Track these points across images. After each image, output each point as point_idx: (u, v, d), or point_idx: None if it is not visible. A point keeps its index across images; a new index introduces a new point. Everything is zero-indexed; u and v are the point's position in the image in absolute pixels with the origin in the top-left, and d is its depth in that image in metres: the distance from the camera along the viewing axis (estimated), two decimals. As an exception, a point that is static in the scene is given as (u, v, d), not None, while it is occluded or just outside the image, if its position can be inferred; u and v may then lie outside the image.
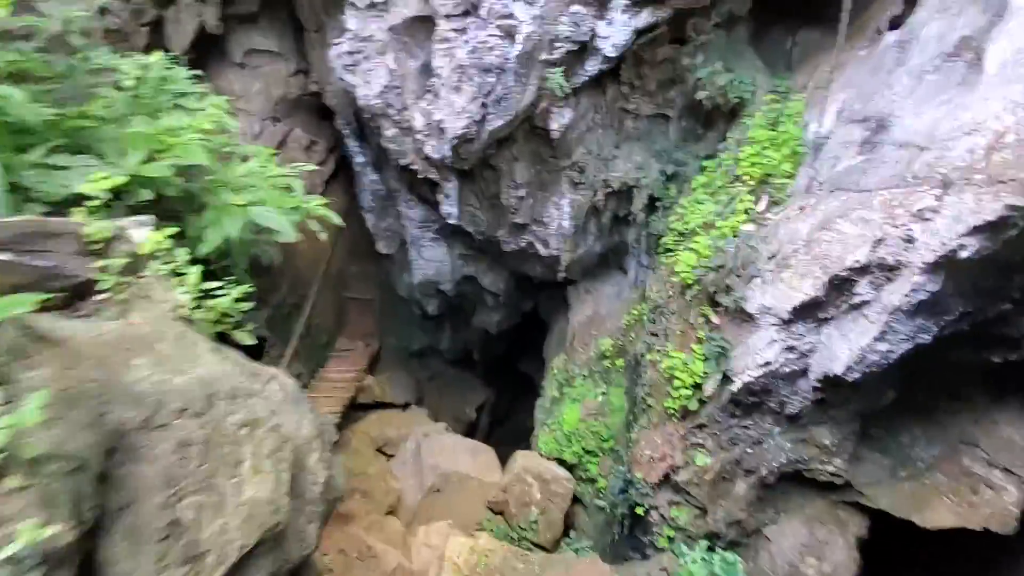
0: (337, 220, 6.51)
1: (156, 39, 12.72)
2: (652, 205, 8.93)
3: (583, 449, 9.10)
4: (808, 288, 5.88)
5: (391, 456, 13.69)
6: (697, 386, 7.04)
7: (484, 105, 8.44)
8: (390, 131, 9.63)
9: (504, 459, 13.46)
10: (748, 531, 7.38)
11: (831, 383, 6.18)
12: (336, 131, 13.69)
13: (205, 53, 13.94)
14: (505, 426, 17.67)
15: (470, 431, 16.10)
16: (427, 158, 9.85)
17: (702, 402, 7.08)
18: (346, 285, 17.19)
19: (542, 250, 10.27)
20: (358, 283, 17.28)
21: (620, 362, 9.28)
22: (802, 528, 7.36)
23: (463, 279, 12.97)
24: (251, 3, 13.51)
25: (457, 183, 10.13)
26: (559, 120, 8.81)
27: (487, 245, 11.49)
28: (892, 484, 7.14)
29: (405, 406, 15.38)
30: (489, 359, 16.17)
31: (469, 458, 12.24)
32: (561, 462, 9.28)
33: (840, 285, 5.76)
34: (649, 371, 7.53)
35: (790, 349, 6.24)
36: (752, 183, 7.36)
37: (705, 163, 8.26)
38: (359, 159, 12.37)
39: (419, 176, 10.20)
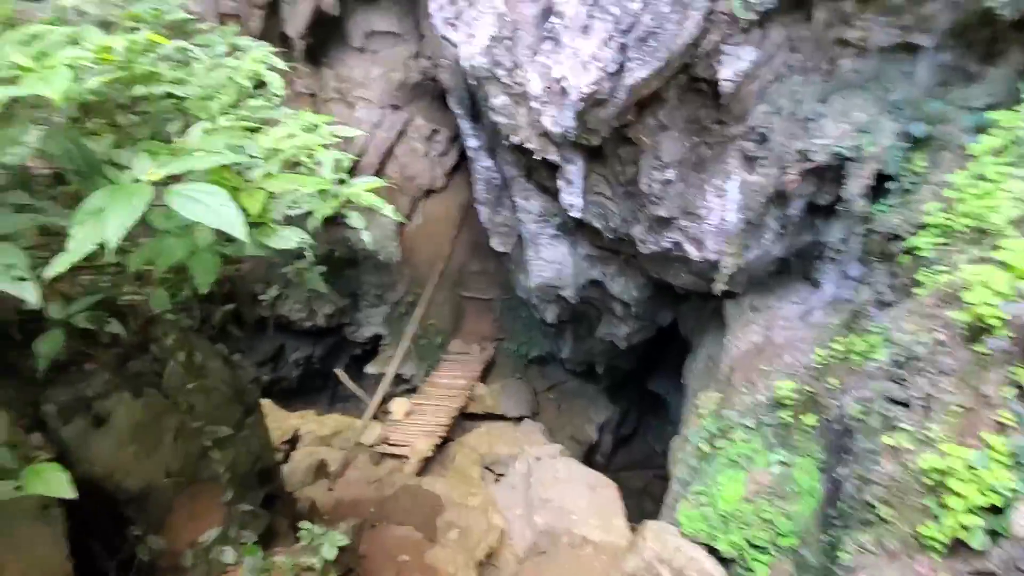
0: (390, 212, 3.98)
1: (272, 23, 11.32)
2: (879, 187, 5.42)
3: (747, 541, 5.88)
4: None
5: (499, 476, 11.28)
6: (992, 509, 3.63)
7: (623, 48, 5.51)
8: (499, 99, 7.02)
9: (629, 494, 10.50)
10: None
11: None
12: (457, 118, 11.42)
13: (324, 38, 12.34)
14: (630, 447, 14.54)
15: (590, 453, 13.21)
16: (545, 133, 7.10)
17: (997, 536, 3.66)
18: (465, 284, 15.09)
19: (693, 252, 7.10)
20: (477, 282, 15.09)
21: (810, 420, 5.89)
22: None
23: (588, 284, 10.08)
24: (369, -21, 11.61)
25: (582, 165, 7.27)
26: (734, 64, 5.61)
27: (619, 245, 8.51)
28: None
29: (518, 419, 12.88)
30: (615, 373, 13.14)
31: (586, 496, 9.41)
32: (712, 551, 6.15)
33: None
34: (886, 462, 4.18)
35: None
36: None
37: (993, 115, 4.63)
38: (472, 143, 9.94)
39: (535, 158, 7.49)
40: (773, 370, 6.76)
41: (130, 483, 4.21)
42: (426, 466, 10.86)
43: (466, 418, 12.68)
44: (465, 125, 9.88)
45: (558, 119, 6.72)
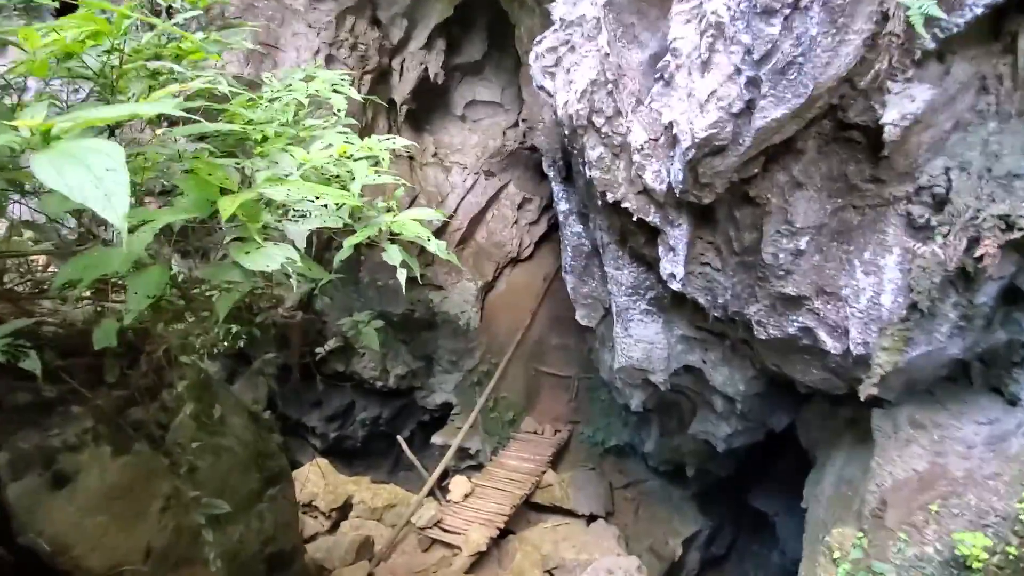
0: (436, 247, 2.95)
1: (382, 89, 11.45)
2: None
3: None
4: None
5: (562, 588, 9.40)
6: None
7: (753, 83, 4.36)
8: (595, 151, 6.05)
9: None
10: None
11: None
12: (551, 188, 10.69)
13: (429, 106, 12.36)
14: (722, 573, 11.90)
15: (672, 573, 10.89)
16: (645, 190, 5.97)
17: None
18: (543, 359, 13.81)
19: (829, 343, 5.43)
20: (556, 357, 13.77)
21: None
22: None
23: (683, 370, 8.45)
24: (475, 51, 11.56)
25: (688, 229, 5.99)
26: (902, 106, 4.25)
27: (726, 327, 6.97)
28: None
29: (590, 519, 10.96)
30: (708, 479, 10.96)
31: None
32: None
33: None
34: None
35: None
36: None
37: None
38: (563, 206, 9.02)
39: (633, 219, 6.35)
40: (950, 514, 4.75)
41: (93, 562, 3.23)
42: (479, 561, 9.24)
43: (530, 507, 10.99)
44: (557, 188, 9.02)
45: (662, 172, 5.59)
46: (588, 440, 12.40)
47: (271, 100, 3.62)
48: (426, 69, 10.88)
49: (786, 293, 5.47)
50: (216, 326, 4.04)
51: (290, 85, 3.72)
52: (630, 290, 8.04)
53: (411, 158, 12.09)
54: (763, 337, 6.06)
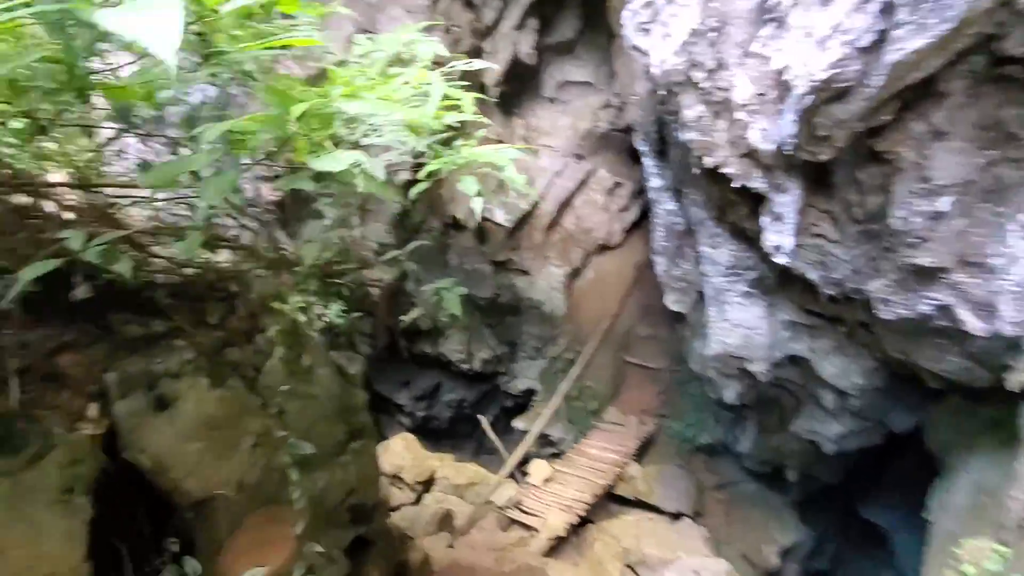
0: (521, 184, 2.79)
1: (473, 73, 11.55)
2: None
3: None
4: None
5: (643, 584, 8.97)
6: None
7: (886, 11, 3.77)
8: (693, 110, 5.60)
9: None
10: None
11: None
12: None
13: (519, 89, 12.30)
14: (825, 590, 10.76)
15: (768, 584, 10.01)
16: (749, 152, 5.44)
17: None
18: (631, 349, 13.30)
19: (971, 322, 4.61)
20: (645, 348, 13.21)
21: None
22: None
23: (786, 360, 7.70)
24: (568, 29, 11.32)
25: (799, 194, 5.38)
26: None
27: (841, 308, 6.21)
28: None
29: (676, 516, 10.38)
30: (812, 485, 9.96)
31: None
32: None
33: None
34: None
35: None
36: None
37: None
38: (655, 182, 8.55)
39: (733, 187, 5.83)
40: None
41: (191, 485, 3.43)
42: (557, 546, 9.03)
43: (612, 500, 10.60)
44: (649, 164, 8.58)
45: (770, 132, 5.05)
46: (677, 436, 11.75)
47: (361, 56, 3.66)
48: (518, 50, 10.82)
49: (919, 264, 4.73)
50: (307, 279, 4.18)
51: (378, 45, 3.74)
52: (728, 270, 7.45)
53: (499, 142, 12.09)
54: (887, 318, 5.30)
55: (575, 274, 13.37)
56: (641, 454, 11.34)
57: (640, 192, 13.09)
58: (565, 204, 12.91)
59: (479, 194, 2.56)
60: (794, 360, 7.64)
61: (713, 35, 5.14)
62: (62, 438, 2.77)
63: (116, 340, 3.55)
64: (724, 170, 5.73)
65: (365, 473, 5.02)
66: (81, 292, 2.34)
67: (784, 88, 4.63)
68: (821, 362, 7.22)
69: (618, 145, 12.86)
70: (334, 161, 1.90)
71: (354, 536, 4.89)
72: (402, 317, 9.20)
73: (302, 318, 4.31)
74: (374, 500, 5.28)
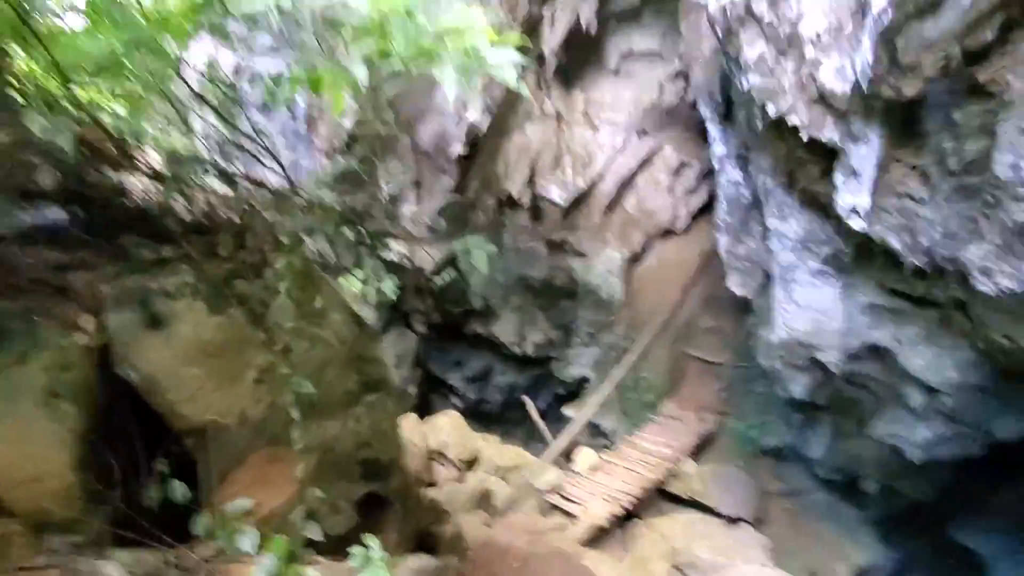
0: (512, 80, 2.42)
1: (533, 43, 11.24)
2: None
3: None
4: None
5: (692, 588, 8.33)
6: None
7: None
8: (755, 49, 4.97)
9: None
10: None
11: None
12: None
13: (581, 60, 11.84)
14: (907, 621, 9.49)
15: (837, 604, 8.97)
16: (821, 97, 4.75)
17: None
18: (692, 341, 12.48)
19: (1103, 297, 3.73)
20: (707, 341, 12.35)
21: None
22: None
23: (865, 351, 6.77)
24: (635, -4, 10.74)
25: (880, 144, 4.61)
26: None
27: (933, 284, 5.31)
28: None
29: (734, 521, 9.56)
30: (895, 500, 8.78)
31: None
32: None
33: None
34: None
35: None
36: None
37: None
38: (719, 149, 7.85)
39: (803, 141, 5.14)
40: None
41: (188, 410, 3.41)
42: (598, 537, 8.57)
43: (664, 497, 9.95)
44: (713, 129, 7.90)
45: (845, 70, 4.37)
46: (739, 436, 10.86)
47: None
48: (579, 18, 10.38)
49: (1032, 222, 3.88)
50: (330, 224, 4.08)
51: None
52: (797, 244, 6.68)
53: (558, 117, 11.70)
54: (989, 293, 4.42)
55: (635, 259, 12.73)
56: (698, 452, 10.59)
57: (709, 174, 12.22)
58: (626, 184, 12.31)
59: (456, 83, 2.24)
60: (875, 351, 6.72)
61: (779, -41, 4.52)
62: (53, 342, 2.80)
63: (126, 262, 3.60)
64: (791, 119, 5.07)
65: (380, 429, 4.88)
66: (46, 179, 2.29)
67: (861, 12, 3.96)
68: (907, 353, 6.27)
69: (686, 121, 12.07)
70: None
71: (366, 492, 4.76)
72: (435, 277, 9.07)
73: (312, 253, 4.22)
74: (390, 456, 5.13)
